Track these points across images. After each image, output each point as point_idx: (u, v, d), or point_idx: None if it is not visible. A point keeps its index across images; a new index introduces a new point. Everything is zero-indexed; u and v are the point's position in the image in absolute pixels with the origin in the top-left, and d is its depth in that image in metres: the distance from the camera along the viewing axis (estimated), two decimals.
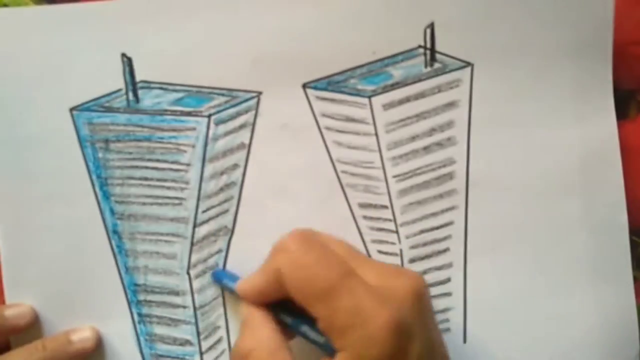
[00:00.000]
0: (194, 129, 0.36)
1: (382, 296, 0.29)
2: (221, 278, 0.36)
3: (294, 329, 0.32)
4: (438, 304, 0.38)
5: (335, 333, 0.29)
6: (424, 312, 0.30)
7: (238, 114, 0.36)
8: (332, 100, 0.37)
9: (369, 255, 0.38)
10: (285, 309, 0.32)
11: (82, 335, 0.36)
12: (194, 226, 0.37)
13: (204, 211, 0.37)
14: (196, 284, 0.37)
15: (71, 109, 0.36)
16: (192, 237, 0.37)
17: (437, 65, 0.37)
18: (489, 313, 0.38)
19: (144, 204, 0.36)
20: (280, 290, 0.31)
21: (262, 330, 0.31)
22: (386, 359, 0.28)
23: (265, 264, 0.33)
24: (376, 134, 0.37)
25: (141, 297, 0.37)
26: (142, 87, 0.36)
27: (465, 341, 0.38)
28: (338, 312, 0.29)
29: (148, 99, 0.36)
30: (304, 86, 0.37)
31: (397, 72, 0.37)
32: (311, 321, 0.30)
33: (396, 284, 0.30)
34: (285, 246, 0.31)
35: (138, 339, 0.37)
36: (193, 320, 0.37)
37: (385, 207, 0.38)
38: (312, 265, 0.30)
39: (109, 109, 0.36)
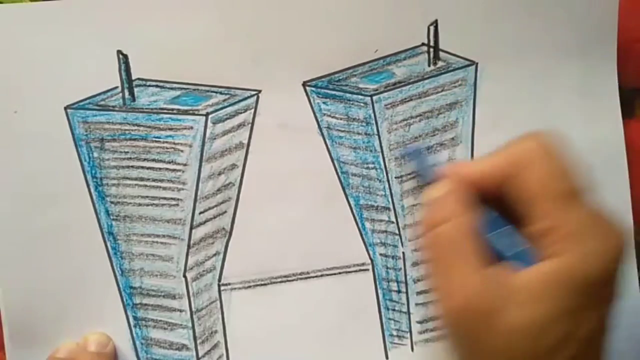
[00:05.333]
0: (191, 127, 0.36)
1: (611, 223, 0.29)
2: (417, 155, 0.35)
3: (488, 226, 0.30)
4: None
5: (557, 238, 0.28)
6: None
7: (236, 113, 0.36)
8: (333, 99, 0.37)
9: (371, 259, 0.38)
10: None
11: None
12: (191, 228, 0.36)
13: (201, 212, 0.36)
14: (193, 287, 0.37)
15: (66, 107, 0.35)
16: (189, 239, 0.36)
17: (440, 63, 0.37)
18: None
19: (140, 204, 0.36)
20: (496, 187, 0.29)
21: (459, 204, 0.29)
22: (600, 276, 0.27)
23: (494, 156, 0.31)
24: (378, 134, 0.37)
25: (137, 300, 0.36)
26: (138, 85, 0.35)
27: None
28: (571, 216, 0.28)
29: (144, 97, 0.36)
30: (304, 84, 0.36)
31: (399, 71, 0.37)
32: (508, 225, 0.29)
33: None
34: (536, 136, 0.30)
35: (134, 343, 0.37)
36: (189, 324, 0.37)
37: (387, 209, 0.37)
38: (561, 162, 0.29)
39: (105, 108, 0.35)
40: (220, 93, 0.36)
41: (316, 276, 0.37)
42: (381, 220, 0.37)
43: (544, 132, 0.30)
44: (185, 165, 0.36)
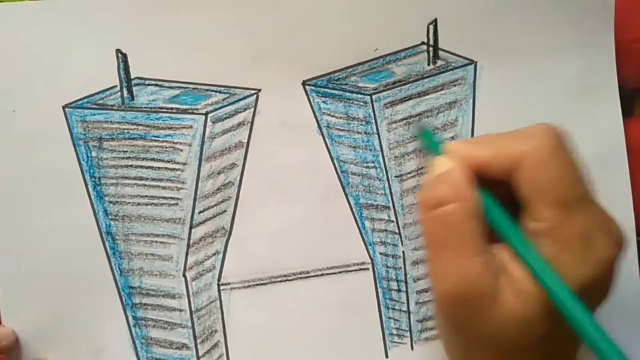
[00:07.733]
0: (190, 127, 0.36)
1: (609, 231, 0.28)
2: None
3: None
4: None
5: (551, 242, 0.27)
6: None
7: (236, 112, 0.36)
8: (333, 98, 0.37)
9: (371, 259, 0.37)
10: None
11: None
12: (191, 227, 0.36)
13: (200, 212, 0.36)
14: (192, 287, 0.37)
15: (64, 107, 0.35)
16: (189, 238, 0.36)
17: (440, 62, 0.37)
18: None
19: (139, 204, 0.36)
20: (501, 176, 0.28)
21: (464, 185, 0.28)
22: (592, 284, 0.27)
23: (500, 142, 0.29)
24: (378, 133, 0.37)
25: (136, 300, 0.36)
26: (137, 84, 0.35)
27: None
28: (568, 227, 0.27)
29: (143, 97, 0.35)
30: (304, 84, 0.36)
31: (399, 70, 0.37)
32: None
33: None
34: (547, 131, 0.28)
35: (134, 343, 0.37)
36: (190, 324, 0.37)
37: (387, 208, 0.37)
38: (567, 164, 0.28)
39: (103, 107, 0.35)
40: (220, 92, 0.36)
41: (316, 276, 0.37)
42: (381, 220, 0.37)
43: (555, 127, 0.29)
44: (184, 164, 0.36)
